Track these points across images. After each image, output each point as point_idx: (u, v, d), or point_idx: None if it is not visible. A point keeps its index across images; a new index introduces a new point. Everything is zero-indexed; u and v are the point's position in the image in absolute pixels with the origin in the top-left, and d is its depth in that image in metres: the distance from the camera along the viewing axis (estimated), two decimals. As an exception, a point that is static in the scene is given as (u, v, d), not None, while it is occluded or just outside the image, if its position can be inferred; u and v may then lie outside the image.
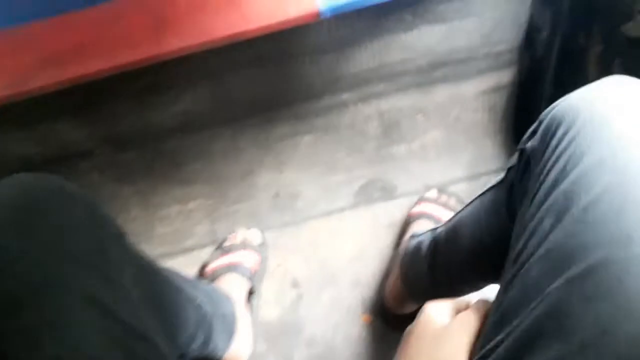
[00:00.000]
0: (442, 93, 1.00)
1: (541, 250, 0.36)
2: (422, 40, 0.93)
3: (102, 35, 0.72)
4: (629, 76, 0.42)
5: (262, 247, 0.90)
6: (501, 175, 0.54)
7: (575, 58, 0.84)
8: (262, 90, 0.96)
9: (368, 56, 0.94)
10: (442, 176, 0.97)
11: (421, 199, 0.92)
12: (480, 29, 0.94)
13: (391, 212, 0.93)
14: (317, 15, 0.68)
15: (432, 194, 0.92)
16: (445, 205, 0.90)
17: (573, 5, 0.82)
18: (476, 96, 1.00)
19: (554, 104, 0.44)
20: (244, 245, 0.89)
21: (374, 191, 0.96)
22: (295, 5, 0.69)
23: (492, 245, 0.54)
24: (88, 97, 0.87)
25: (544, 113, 0.44)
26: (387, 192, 0.96)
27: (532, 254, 0.37)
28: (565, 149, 0.38)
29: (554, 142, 0.40)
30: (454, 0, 0.89)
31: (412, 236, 0.77)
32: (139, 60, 0.72)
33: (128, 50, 0.71)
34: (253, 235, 0.91)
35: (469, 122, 1.00)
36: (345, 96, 0.99)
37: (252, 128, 0.98)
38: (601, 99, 0.39)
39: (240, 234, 0.91)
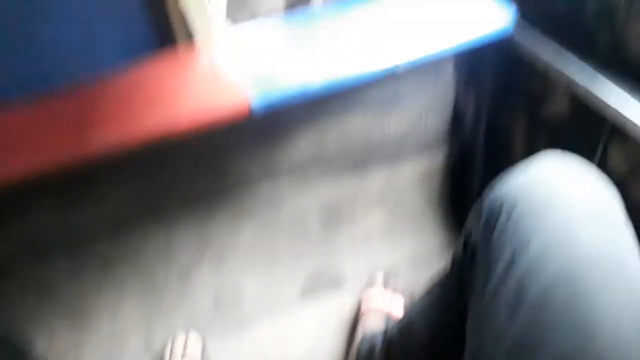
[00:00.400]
0: (379, 176, 1.01)
1: (501, 348, 0.35)
2: (356, 125, 0.95)
3: (24, 135, 0.67)
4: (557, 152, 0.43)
5: (203, 355, 0.83)
6: (447, 266, 0.53)
7: (501, 137, 0.88)
8: (196, 184, 0.93)
9: (304, 142, 0.94)
10: (386, 259, 0.95)
11: (369, 284, 0.90)
12: (411, 114, 0.96)
13: (340, 303, 0.90)
14: (249, 113, 0.67)
15: (379, 278, 0.90)
16: (393, 289, 0.88)
17: (493, 87, 0.87)
18: (413, 178, 1.01)
19: (489, 192, 0.44)
20: (183, 355, 0.82)
21: (321, 281, 0.93)
22: (225, 103, 0.68)
23: (449, 338, 0.53)
24: (3, 203, 0.80)
25: (481, 201, 0.44)
26: (334, 281, 0.93)
27: (489, 355, 0.35)
28: (509, 238, 0.38)
29: (496, 231, 0.40)
30: (384, 88, 0.91)
31: (363, 338, 0.74)
32: (62, 161, 0.67)
33: (50, 150, 0.67)
34: (193, 342, 0.84)
35: (408, 203, 1.00)
36: (283, 184, 0.97)
37: (187, 224, 0.94)
38: (537, 183, 0.40)
39: (179, 342, 0.84)
